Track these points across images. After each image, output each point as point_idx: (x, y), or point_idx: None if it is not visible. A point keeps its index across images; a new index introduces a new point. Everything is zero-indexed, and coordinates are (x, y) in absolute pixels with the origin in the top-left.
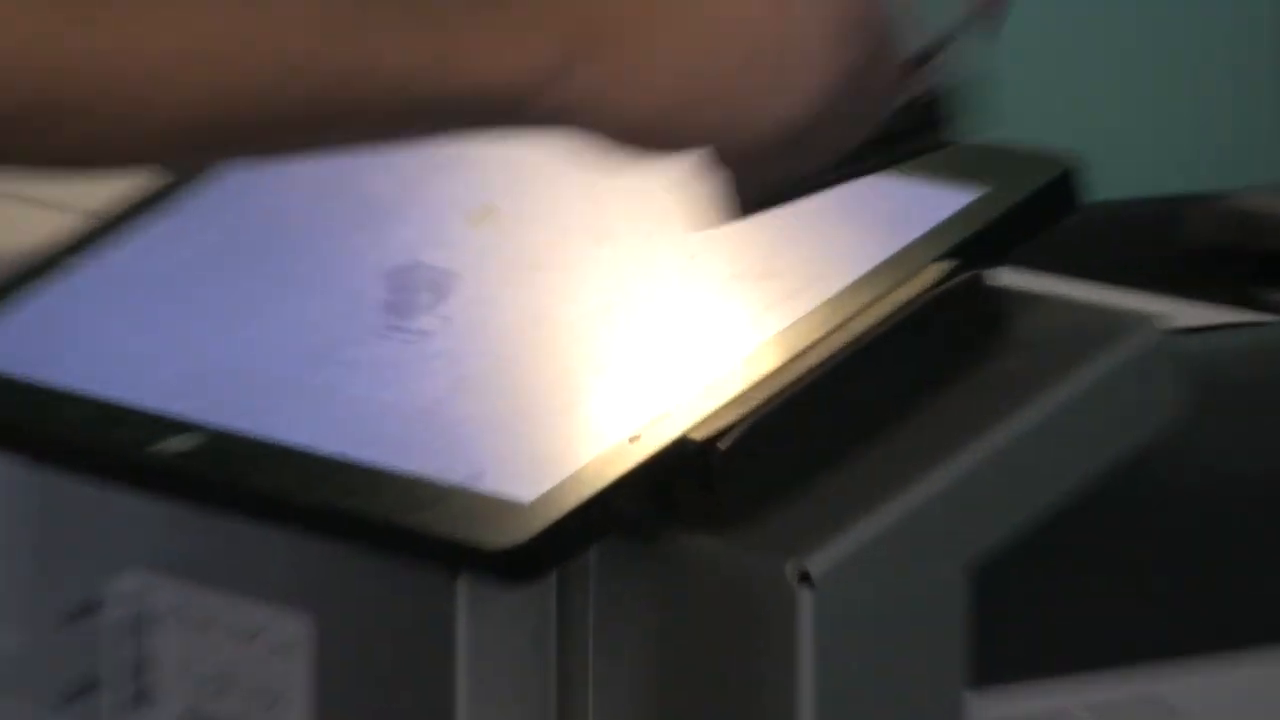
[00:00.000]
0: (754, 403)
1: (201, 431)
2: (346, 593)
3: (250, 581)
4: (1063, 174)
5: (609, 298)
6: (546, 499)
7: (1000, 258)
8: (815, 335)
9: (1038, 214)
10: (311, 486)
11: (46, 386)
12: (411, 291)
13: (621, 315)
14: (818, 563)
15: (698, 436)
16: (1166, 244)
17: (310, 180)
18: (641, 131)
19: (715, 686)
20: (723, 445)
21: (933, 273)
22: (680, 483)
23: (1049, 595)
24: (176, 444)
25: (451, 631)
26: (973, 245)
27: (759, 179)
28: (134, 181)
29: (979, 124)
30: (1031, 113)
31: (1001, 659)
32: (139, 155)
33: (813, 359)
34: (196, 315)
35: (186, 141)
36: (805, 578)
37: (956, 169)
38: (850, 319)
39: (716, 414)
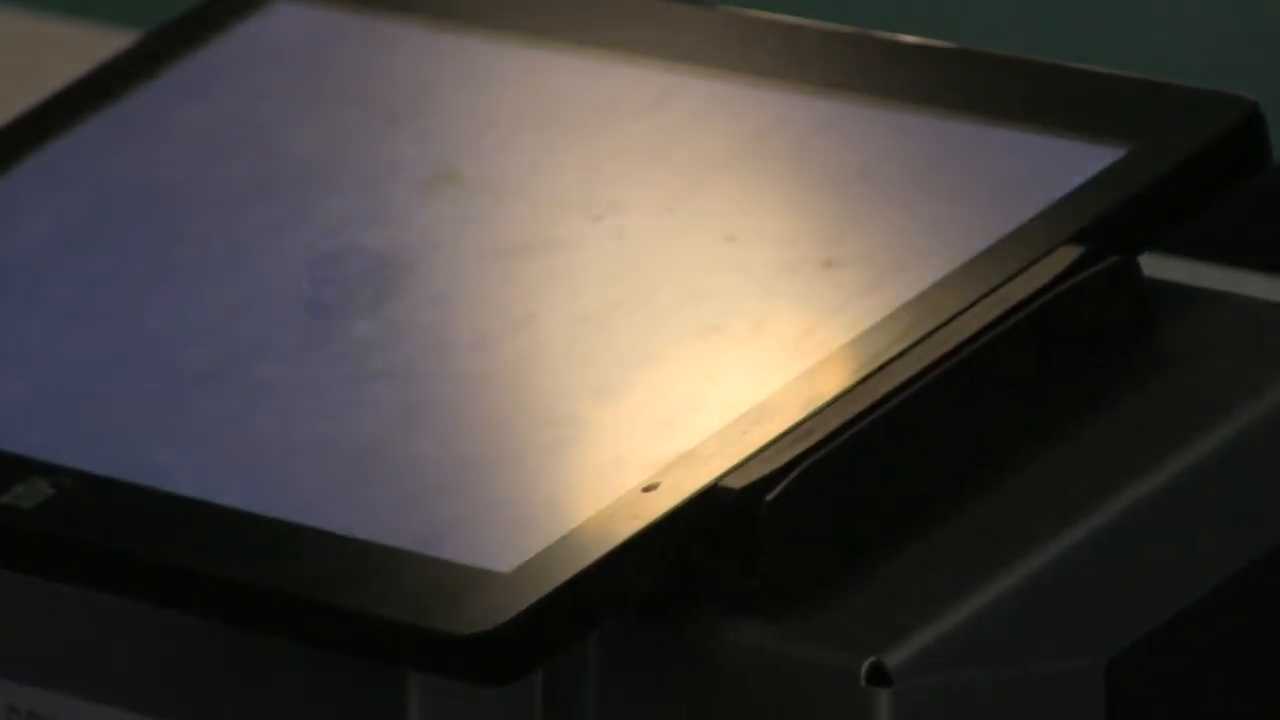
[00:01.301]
0: (811, 440)
1: (55, 477)
2: (253, 698)
3: (121, 684)
4: (1240, 122)
5: (613, 294)
6: (530, 569)
7: (1152, 239)
8: (895, 347)
9: (1205, 178)
10: (208, 552)
11: None
12: (344, 285)
13: (631, 318)
14: (897, 657)
15: (735, 485)
16: None
17: (204, 133)
18: None
19: None
20: (769, 497)
21: (1059, 260)
22: (711, 546)
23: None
24: (22, 495)
25: None
26: (1115, 222)
27: None
28: None
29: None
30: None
31: None
32: None
33: (891, 381)
34: (49, 317)
35: None
36: (880, 676)
37: (1092, 116)
38: (944, 325)
39: (760, 455)
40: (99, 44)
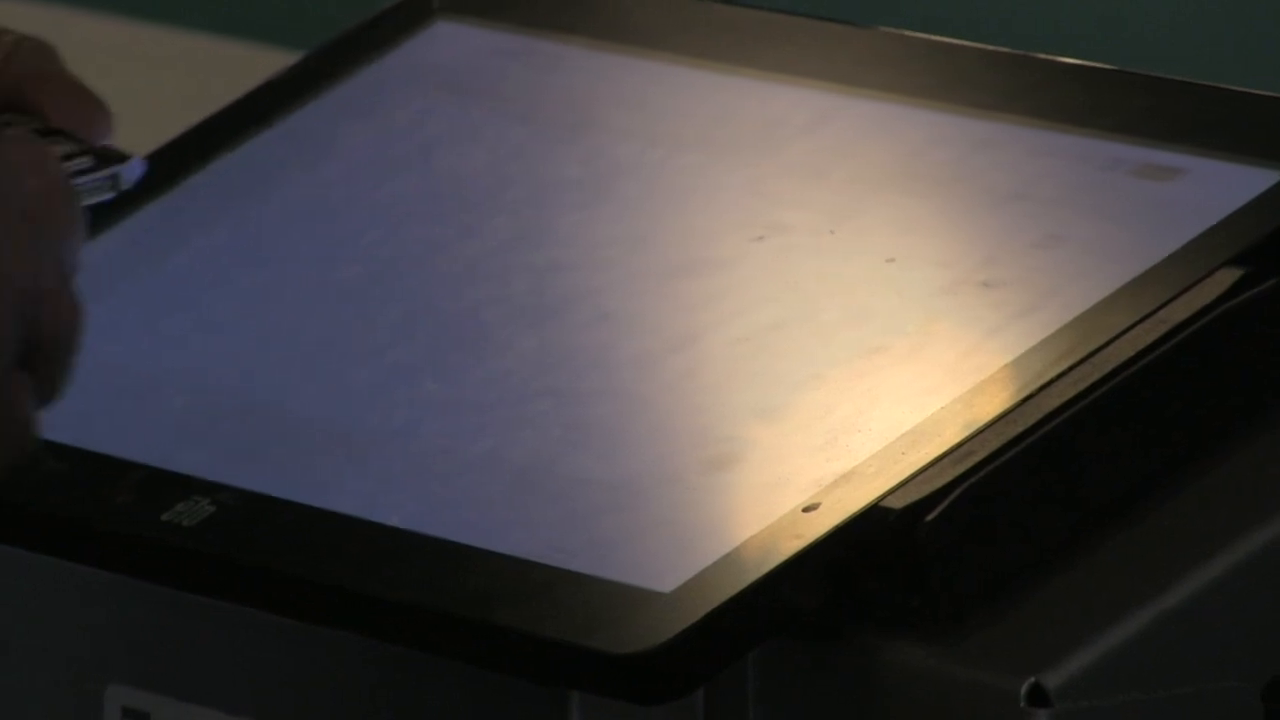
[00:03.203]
0: (970, 461)
1: (216, 494)
2: (412, 718)
3: (278, 701)
4: None
5: (774, 315)
6: (691, 589)
7: None
8: (1055, 368)
9: None
10: (368, 570)
11: None
12: (506, 303)
13: (792, 339)
14: (1056, 678)
15: (896, 505)
16: None
17: (367, 151)
18: None
19: None
20: (929, 517)
21: (1219, 282)
22: (871, 566)
23: None
24: (183, 512)
25: None
26: (1276, 244)
27: None
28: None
29: None
30: None
31: None
32: None
33: (1051, 401)
34: (212, 334)
35: None
36: (1040, 697)
37: (1252, 138)
38: (1104, 346)
39: (920, 475)
40: (262, 63)
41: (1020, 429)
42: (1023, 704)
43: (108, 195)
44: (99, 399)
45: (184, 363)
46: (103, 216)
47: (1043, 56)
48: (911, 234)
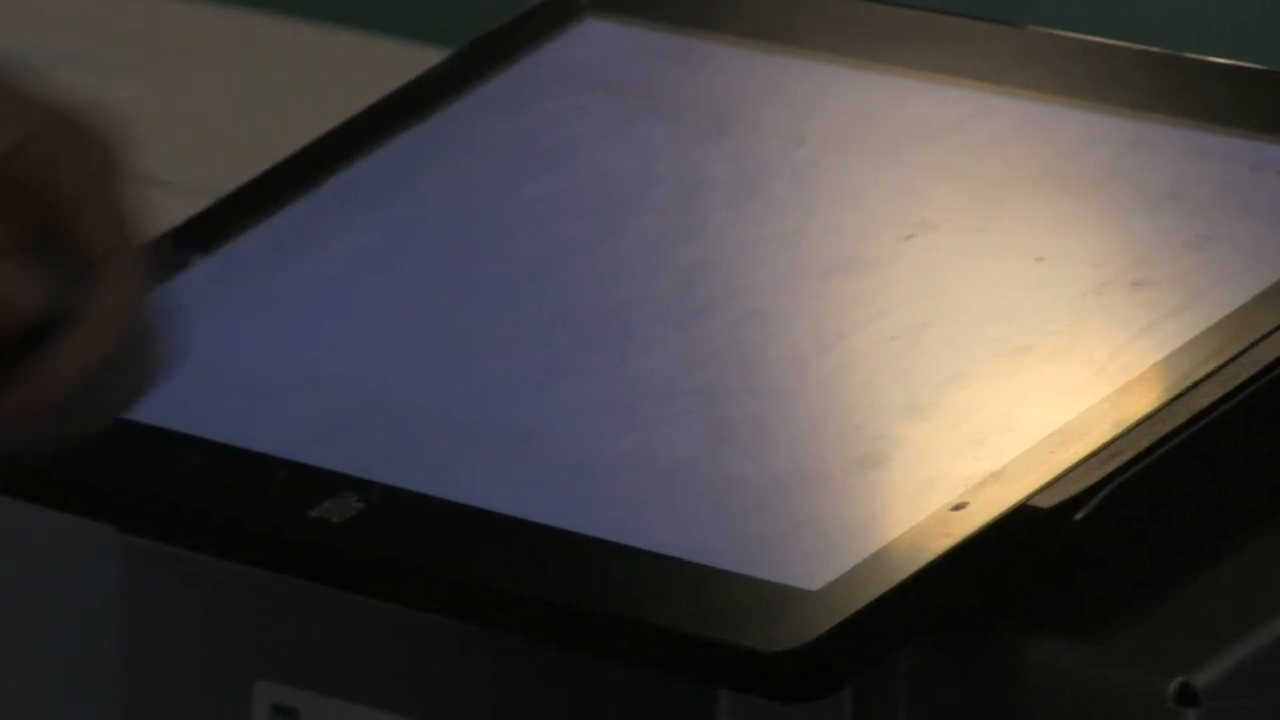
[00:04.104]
0: (1119, 460)
1: (364, 492)
2: (555, 716)
3: (425, 697)
4: None
5: (923, 313)
6: (840, 586)
7: None
8: (1206, 367)
9: None
10: (515, 568)
11: (155, 430)
12: (653, 302)
13: (940, 337)
14: (1205, 678)
15: (1045, 504)
16: None
17: (514, 149)
18: None
19: None
20: (1077, 516)
21: None
22: (1019, 565)
23: None
24: (331, 509)
25: None
26: None
27: None
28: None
29: None
30: None
31: None
32: None
33: (1201, 400)
34: (359, 332)
35: None
36: (1189, 696)
37: None
38: (1252, 346)
39: (1069, 474)
40: (411, 60)
41: (1168, 428)
42: (1171, 703)
43: None
44: (247, 396)
45: (331, 360)
46: (249, 214)
47: (1191, 56)
48: (1060, 233)
